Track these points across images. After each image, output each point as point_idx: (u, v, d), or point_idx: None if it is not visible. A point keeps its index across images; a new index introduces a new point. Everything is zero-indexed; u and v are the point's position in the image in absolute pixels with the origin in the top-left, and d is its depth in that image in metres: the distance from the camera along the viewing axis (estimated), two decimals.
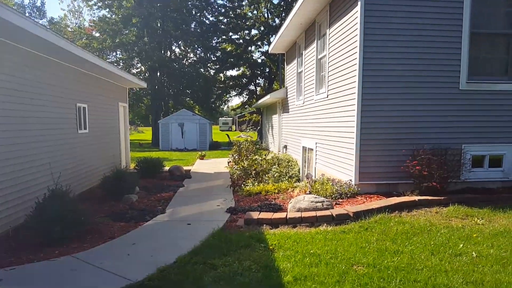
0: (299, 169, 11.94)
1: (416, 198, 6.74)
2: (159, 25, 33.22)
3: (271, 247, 5.00)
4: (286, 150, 15.54)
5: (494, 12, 7.66)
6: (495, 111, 7.66)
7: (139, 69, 35.72)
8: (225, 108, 72.84)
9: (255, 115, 38.25)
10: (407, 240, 5.02)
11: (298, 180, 10.68)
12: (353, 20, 7.63)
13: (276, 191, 8.72)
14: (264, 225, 6.05)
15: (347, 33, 7.97)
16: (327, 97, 9.28)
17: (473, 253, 4.53)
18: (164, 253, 5.04)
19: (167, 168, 13.18)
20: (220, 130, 70.17)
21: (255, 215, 6.36)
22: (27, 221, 5.74)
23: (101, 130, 11.22)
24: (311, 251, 4.76)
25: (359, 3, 7.27)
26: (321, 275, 4.09)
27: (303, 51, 12.33)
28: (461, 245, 4.76)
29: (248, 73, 39.06)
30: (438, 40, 7.44)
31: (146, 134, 53.67)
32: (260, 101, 21.53)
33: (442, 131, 7.57)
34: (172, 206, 8.08)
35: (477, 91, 7.61)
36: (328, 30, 9.32)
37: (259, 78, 39.66)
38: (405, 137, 7.48)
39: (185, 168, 14.02)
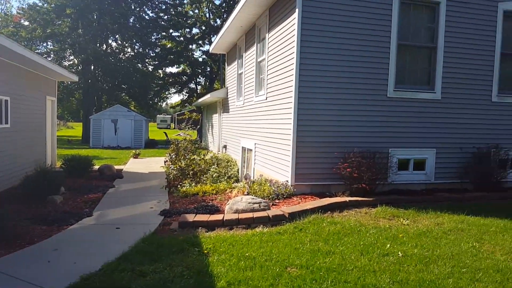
0: (238, 169, 11.93)
1: (347, 199, 6.97)
2: (95, 17, 31.77)
3: (205, 251, 4.89)
4: (225, 150, 15.48)
5: (418, 26, 8.21)
6: (418, 118, 8.17)
7: (71, 62, 33.86)
8: (163, 105, 71.34)
9: (195, 113, 37.74)
10: (339, 241, 5.15)
11: (237, 181, 10.65)
12: (291, 26, 7.78)
13: (214, 192, 8.61)
14: (200, 228, 5.90)
15: (285, 39, 8.11)
16: (266, 99, 9.37)
17: (399, 253, 4.74)
18: (89, 260, 4.72)
19: (97, 167, 12.53)
20: (157, 127, 68.56)
21: (190, 217, 6.21)
22: None
23: (25, 125, 10.43)
24: (247, 254, 4.72)
25: (296, 10, 7.42)
26: (255, 279, 4.06)
27: (244, 53, 12.37)
28: (388, 245, 4.97)
29: (188, 71, 38.52)
30: (370, 49, 7.80)
31: (76, 130, 51.01)
32: (200, 100, 21.29)
33: (371, 135, 7.92)
34: (100, 208, 7.66)
35: (403, 98, 8.07)
36: (267, 34, 9.42)
37: (200, 76, 39.28)
38: (337, 140, 7.73)
39: (117, 167, 13.42)
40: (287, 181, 7.68)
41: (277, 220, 6.07)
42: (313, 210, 6.38)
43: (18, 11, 34.58)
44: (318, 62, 7.58)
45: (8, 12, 41.69)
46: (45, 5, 31.12)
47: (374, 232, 5.50)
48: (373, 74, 7.86)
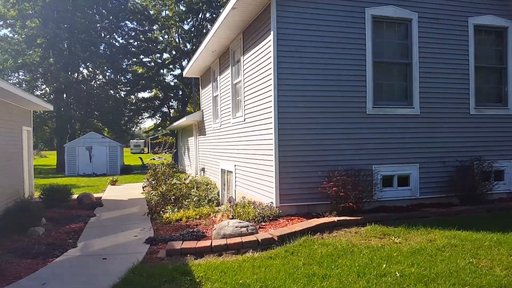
0: (218, 192, 11.78)
1: (335, 219, 6.90)
2: (65, 46, 31.56)
3: (197, 279, 4.73)
4: (203, 173, 15.31)
5: (393, 43, 8.41)
6: (399, 134, 8.26)
7: (43, 91, 33.37)
8: (136, 130, 70.47)
9: (168, 137, 37.48)
10: (333, 263, 5.06)
11: (218, 204, 10.50)
12: (266, 48, 7.83)
13: (198, 216, 8.44)
14: (188, 255, 5.73)
15: (261, 60, 8.15)
16: (244, 120, 9.35)
17: (397, 272, 4.66)
18: None
19: (75, 196, 12.16)
20: (131, 152, 67.53)
21: (178, 244, 6.03)
22: None
23: (3, 156, 10.05)
24: (240, 281, 4.59)
25: (271, 32, 7.48)
26: None
27: (218, 76, 12.40)
28: (384, 265, 4.89)
29: (161, 95, 38.53)
30: (347, 67, 7.92)
31: (49, 158, 49.56)
32: (175, 124, 21.14)
33: (354, 152, 7.94)
34: (84, 238, 7.40)
35: (382, 115, 8.16)
36: (242, 57, 9.48)
37: (172, 100, 39.36)
38: (321, 159, 7.72)
39: (95, 195, 13.09)
40: (271, 202, 7.59)
41: (267, 244, 5.95)
42: (302, 232, 6.28)
43: None
44: (296, 82, 7.62)
45: None
46: (16, 36, 31.21)
47: (368, 252, 5.43)
48: (351, 92, 7.94)
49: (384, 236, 6.22)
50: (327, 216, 7.18)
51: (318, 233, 6.39)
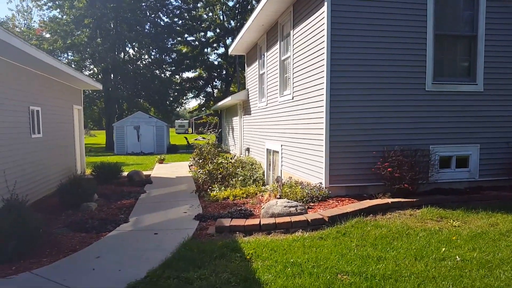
0: (263, 172, 11.71)
1: (389, 200, 6.64)
2: (112, 26, 32.16)
3: (248, 256, 4.70)
4: (248, 152, 15.29)
5: (456, 14, 7.77)
6: (459, 112, 7.74)
7: (91, 71, 34.38)
8: (181, 110, 71.83)
9: (212, 117, 37.81)
10: (388, 245, 4.86)
11: (263, 184, 10.43)
12: (319, 20, 7.48)
13: (245, 195, 8.43)
14: (237, 232, 5.72)
15: (313, 34, 7.81)
16: (293, 98, 9.11)
17: (457, 257, 4.43)
18: (133, 267, 4.62)
19: (125, 173, 12.53)
20: (176, 133, 69.07)
21: (227, 222, 6.03)
22: None
23: (56, 134, 10.48)
24: (291, 260, 4.50)
25: (325, 3, 7.12)
26: (306, 286, 3.84)
27: (265, 53, 12.13)
28: (444, 249, 4.65)
29: (204, 75, 38.73)
30: (404, 41, 7.44)
31: (98, 137, 51.71)
32: (220, 103, 21.20)
33: (410, 132, 7.56)
34: (135, 214, 7.57)
35: (442, 92, 7.66)
36: (292, 31, 9.15)
37: (216, 80, 39.46)
38: (374, 138, 7.40)
39: (144, 173, 13.42)
40: (320, 183, 7.41)
41: (317, 224, 5.83)
42: (354, 213, 6.10)
43: (40, 24, 35.37)
44: (350, 57, 7.26)
45: (30, 26, 42.68)
46: (65, 16, 31.85)
47: (424, 235, 5.18)
48: (409, 67, 7.48)
49: (441, 219, 5.91)
50: (380, 198, 6.93)
51: (371, 215, 6.19)
